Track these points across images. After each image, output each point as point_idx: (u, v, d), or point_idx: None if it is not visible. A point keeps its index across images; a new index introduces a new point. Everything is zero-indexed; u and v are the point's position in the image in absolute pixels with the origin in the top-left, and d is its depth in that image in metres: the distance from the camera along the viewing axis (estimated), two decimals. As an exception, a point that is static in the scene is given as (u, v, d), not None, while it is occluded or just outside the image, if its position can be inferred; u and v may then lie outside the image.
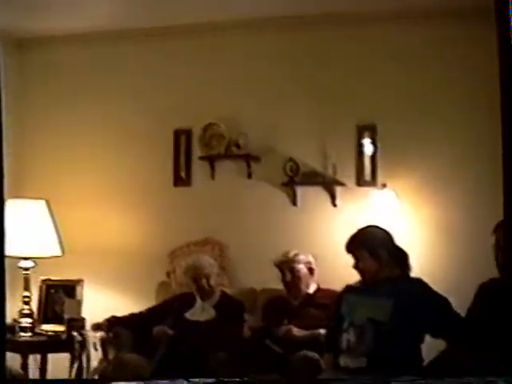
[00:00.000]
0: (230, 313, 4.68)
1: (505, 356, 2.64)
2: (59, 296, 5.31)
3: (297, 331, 4.40)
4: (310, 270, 4.77)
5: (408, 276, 3.83)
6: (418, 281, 3.75)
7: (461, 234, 4.70)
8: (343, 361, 3.67)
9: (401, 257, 3.85)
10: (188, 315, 4.74)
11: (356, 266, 3.86)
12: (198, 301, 4.82)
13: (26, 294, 5.08)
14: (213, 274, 4.85)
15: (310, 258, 4.79)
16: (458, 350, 3.13)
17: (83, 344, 4.35)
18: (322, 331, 4.33)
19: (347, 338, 3.68)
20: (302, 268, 4.74)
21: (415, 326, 3.57)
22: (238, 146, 5.32)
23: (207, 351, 4.37)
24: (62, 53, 5.75)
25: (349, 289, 3.96)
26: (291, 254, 4.77)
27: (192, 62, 5.52)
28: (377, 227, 3.97)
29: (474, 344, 3.00)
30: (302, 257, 4.76)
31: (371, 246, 3.81)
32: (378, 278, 3.78)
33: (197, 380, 2.63)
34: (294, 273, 4.73)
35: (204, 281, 4.80)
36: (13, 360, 4.46)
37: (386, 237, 3.89)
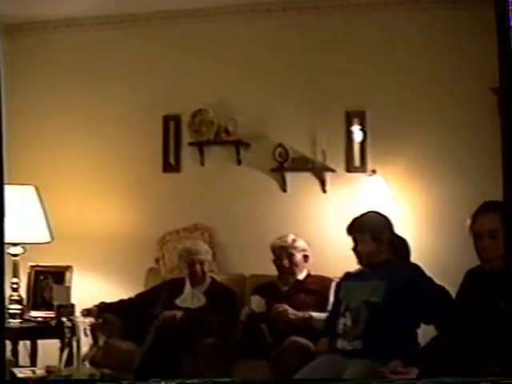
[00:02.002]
0: (221, 300, 4.69)
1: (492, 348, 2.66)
2: (48, 282, 5.31)
3: (291, 312, 4.42)
4: (305, 257, 4.78)
5: (404, 261, 3.89)
6: (414, 265, 3.80)
7: (450, 220, 4.71)
8: (340, 344, 3.72)
9: (399, 243, 3.92)
10: (178, 302, 4.75)
11: (354, 249, 3.92)
12: (188, 287, 4.83)
13: (15, 280, 5.09)
14: (207, 261, 4.86)
15: (305, 245, 4.81)
16: (447, 338, 3.13)
17: (73, 330, 4.34)
18: (314, 314, 4.39)
19: (344, 322, 3.75)
20: (299, 255, 4.76)
21: (408, 311, 3.61)
22: (227, 131, 5.31)
23: (197, 338, 4.39)
24: (51, 39, 5.73)
25: (347, 276, 4.03)
26: (289, 239, 4.78)
27: (181, 48, 5.51)
28: (378, 213, 4.04)
29: (462, 334, 3.00)
30: (299, 243, 4.78)
31: (373, 229, 3.88)
32: (375, 261, 3.84)
33: (189, 381, 2.64)
34: (291, 259, 4.74)
35: (198, 267, 4.81)
36: (2, 346, 4.46)
37: (387, 222, 3.96)
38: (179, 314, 4.54)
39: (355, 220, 3.96)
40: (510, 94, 2.20)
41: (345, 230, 3.96)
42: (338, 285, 4.08)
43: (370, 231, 3.87)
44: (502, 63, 2.16)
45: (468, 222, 3.10)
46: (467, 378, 2.49)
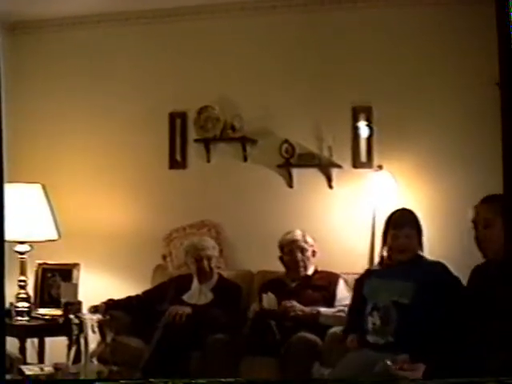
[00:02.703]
0: (227, 296, 4.69)
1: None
2: (55, 280, 5.32)
3: (299, 308, 4.43)
4: (313, 253, 4.78)
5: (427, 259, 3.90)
6: (440, 264, 3.81)
7: (457, 215, 4.70)
8: (372, 338, 3.69)
9: None
10: (186, 298, 4.76)
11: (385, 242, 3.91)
12: (195, 283, 4.83)
13: (23, 278, 5.09)
14: (214, 257, 4.86)
15: (312, 241, 4.79)
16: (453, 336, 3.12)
17: (80, 327, 4.35)
18: (322, 309, 4.40)
19: (372, 321, 3.72)
20: (310, 249, 4.75)
21: (436, 310, 3.57)
22: (233, 128, 5.31)
23: (204, 334, 4.39)
24: (56, 37, 5.73)
25: (369, 273, 4.01)
26: (299, 233, 4.76)
27: (186, 45, 5.51)
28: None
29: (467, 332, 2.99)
30: (308, 238, 4.77)
31: (418, 223, 3.89)
32: (405, 257, 3.82)
33: (194, 381, 2.64)
34: (304, 253, 4.72)
35: (205, 262, 4.81)
36: (10, 344, 4.46)
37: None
38: (186, 310, 4.55)
39: (403, 211, 3.96)
40: (510, 89, 2.19)
41: (385, 221, 3.95)
42: (360, 281, 4.01)
43: (417, 224, 3.88)
44: (502, 58, 2.15)
45: (470, 213, 3.10)
46: (481, 378, 2.48)
